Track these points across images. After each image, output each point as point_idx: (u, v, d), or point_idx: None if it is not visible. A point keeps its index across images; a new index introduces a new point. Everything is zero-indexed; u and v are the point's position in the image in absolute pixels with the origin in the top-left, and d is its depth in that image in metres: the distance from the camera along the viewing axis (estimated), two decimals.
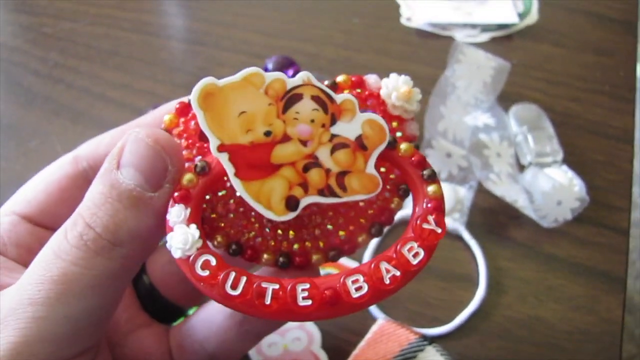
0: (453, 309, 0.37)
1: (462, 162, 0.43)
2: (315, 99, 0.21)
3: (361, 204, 0.23)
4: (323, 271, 0.37)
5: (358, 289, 0.20)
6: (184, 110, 0.22)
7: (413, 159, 0.21)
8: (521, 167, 0.44)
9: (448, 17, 0.57)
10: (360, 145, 0.21)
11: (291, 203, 0.20)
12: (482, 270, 0.39)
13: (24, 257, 0.24)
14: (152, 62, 0.54)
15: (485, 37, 0.56)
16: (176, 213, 0.20)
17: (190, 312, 0.29)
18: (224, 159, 0.20)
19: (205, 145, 0.21)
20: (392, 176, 0.23)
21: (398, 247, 0.20)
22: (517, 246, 0.40)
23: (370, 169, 0.21)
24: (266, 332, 0.26)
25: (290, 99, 0.21)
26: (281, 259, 0.22)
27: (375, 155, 0.21)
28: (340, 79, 0.22)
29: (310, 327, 0.36)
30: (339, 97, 0.21)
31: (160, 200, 0.20)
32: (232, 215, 0.22)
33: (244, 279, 0.19)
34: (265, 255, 0.22)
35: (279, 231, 0.22)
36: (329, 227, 0.23)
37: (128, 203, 0.20)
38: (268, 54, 0.51)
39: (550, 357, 0.36)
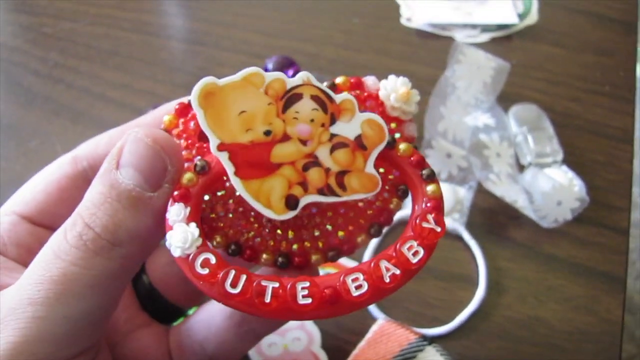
0: (453, 309, 0.37)
1: (462, 163, 0.43)
2: (314, 98, 0.21)
3: (360, 204, 0.23)
4: (322, 271, 0.37)
5: (358, 287, 0.20)
6: (184, 110, 0.22)
7: (412, 158, 0.21)
8: (521, 168, 0.44)
9: (448, 17, 0.57)
10: (360, 144, 0.21)
11: (291, 202, 0.20)
12: (481, 270, 0.39)
13: (24, 257, 0.24)
14: (152, 62, 0.54)
15: (485, 37, 0.56)
16: (176, 212, 0.20)
17: (190, 312, 0.29)
18: (223, 158, 0.20)
19: (205, 145, 0.21)
20: (390, 177, 0.23)
21: (398, 245, 0.20)
22: (517, 246, 0.40)
23: (370, 168, 0.21)
24: (266, 332, 0.26)
25: (290, 98, 0.21)
26: (280, 259, 0.22)
27: (375, 155, 0.21)
28: (339, 80, 0.23)
29: (310, 327, 0.36)
30: (338, 97, 0.21)
31: (160, 200, 0.20)
32: (231, 216, 0.22)
33: (243, 278, 0.19)
34: (264, 256, 0.22)
35: (278, 231, 0.22)
36: (328, 227, 0.23)
37: (127, 203, 0.20)
38: (268, 54, 0.51)
39: (550, 357, 0.36)
